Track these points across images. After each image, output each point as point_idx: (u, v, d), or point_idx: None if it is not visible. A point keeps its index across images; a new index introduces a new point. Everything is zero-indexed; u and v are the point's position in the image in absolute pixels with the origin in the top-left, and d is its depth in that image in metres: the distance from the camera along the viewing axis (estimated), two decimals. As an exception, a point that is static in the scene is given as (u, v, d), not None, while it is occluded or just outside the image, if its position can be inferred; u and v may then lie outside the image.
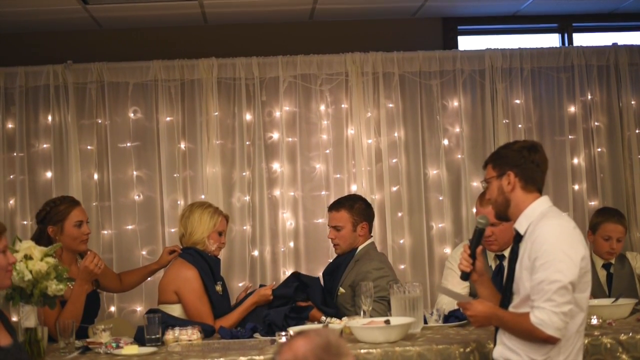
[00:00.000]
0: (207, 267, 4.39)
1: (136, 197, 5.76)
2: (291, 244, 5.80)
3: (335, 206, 4.66)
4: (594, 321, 3.90)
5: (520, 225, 3.27)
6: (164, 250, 4.77)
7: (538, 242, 3.12)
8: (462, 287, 4.30)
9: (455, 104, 5.93)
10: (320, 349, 2.14)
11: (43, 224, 4.31)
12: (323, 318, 4.20)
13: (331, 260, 4.94)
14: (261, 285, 4.54)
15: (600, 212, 4.94)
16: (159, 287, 4.44)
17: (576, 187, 5.94)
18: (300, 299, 4.35)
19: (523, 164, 3.27)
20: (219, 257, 4.53)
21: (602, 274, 4.75)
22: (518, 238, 3.29)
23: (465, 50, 6.03)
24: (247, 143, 5.81)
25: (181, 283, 4.32)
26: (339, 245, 4.60)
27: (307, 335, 2.18)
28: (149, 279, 4.96)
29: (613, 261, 4.77)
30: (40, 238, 4.21)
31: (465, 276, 3.44)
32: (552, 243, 3.10)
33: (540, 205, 3.27)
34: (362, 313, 4.06)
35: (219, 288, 4.41)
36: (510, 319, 3.19)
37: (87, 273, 4.08)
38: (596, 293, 4.59)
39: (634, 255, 4.89)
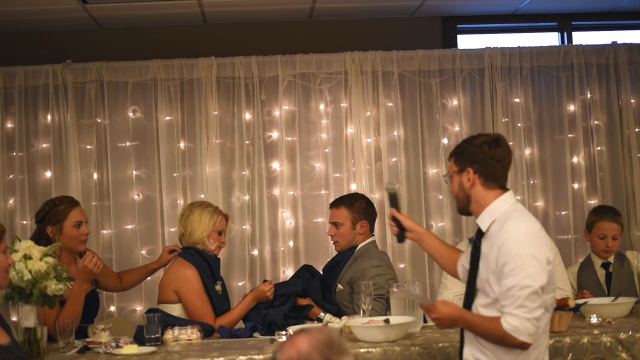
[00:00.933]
0: (207, 266, 4.39)
1: (136, 197, 5.76)
2: (291, 243, 5.80)
3: (335, 203, 4.67)
4: (594, 320, 3.90)
5: (483, 221, 3.21)
6: (164, 249, 4.76)
7: (506, 247, 3.06)
8: (462, 287, 4.29)
9: (455, 102, 5.93)
10: (324, 346, 2.15)
11: (42, 223, 4.31)
12: (322, 314, 4.21)
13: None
14: (265, 281, 4.55)
15: (594, 211, 4.92)
16: (159, 287, 4.43)
17: (576, 185, 5.94)
18: (299, 295, 4.36)
19: (483, 160, 3.19)
20: (218, 256, 4.53)
21: (601, 273, 4.75)
22: (480, 234, 3.23)
23: (464, 49, 6.03)
24: (247, 142, 5.81)
25: (181, 282, 4.31)
26: (338, 243, 4.61)
27: (310, 333, 2.19)
28: (148, 278, 4.95)
29: (612, 260, 4.76)
30: (40, 238, 4.21)
31: (399, 238, 3.61)
32: (520, 247, 3.04)
33: (504, 202, 3.20)
34: (361, 312, 4.06)
35: (218, 287, 4.41)
36: (479, 323, 3.13)
37: (86, 273, 4.08)
38: (595, 292, 4.59)
39: (634, 254, 4.87)
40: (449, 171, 3.33)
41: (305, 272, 4.57)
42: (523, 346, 3.05)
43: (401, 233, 3.61)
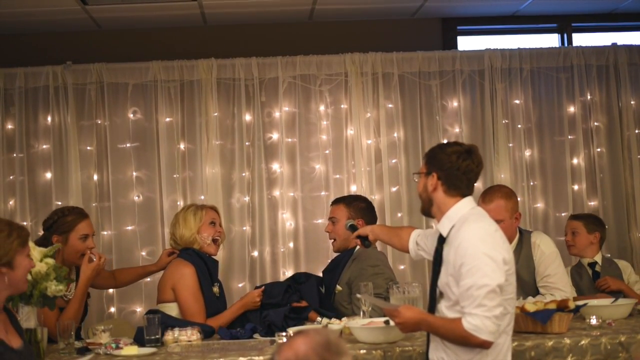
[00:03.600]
0: (205, 267, 4.39)
1: (136, 198, 5.76)
2: (291, 245, 5.80)
3: (335, 200, 4.74)
4: (594, 321, 3.90)
5: (443, 226, 3.29)
6: (163, 252, 4.75)
7: (462, 248, 3.13)
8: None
9: (455, 104, 5.93)
10: (321, 347, 2.15)
11: (49, 232, 4.28)
12: (319, 319, 4.20)
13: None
14: (256, 288, 4.54)
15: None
16: (158, 286, 4.44)
17: (576, 187, 5.95)
18: (293, 300, 4.34)
19: (448, 169, 3.27)
20: (216, 257, 4.53)
21: (590, 272, 4.80)
22: (441, 239, 3.30)
23: (464, 51, 6.03)
24: (247, 143, 5.81)
25: (177, 279, 4.32)
26: (335, 240, 4.63)
27: (308, 334, 2.19)
28: (148, 279, 4.94)
29: (599, 260, 4.80)
30: (45, 245, 4.17)
31: (366, 244, 4.08)
32: (476, 248, 3.10)
33: (463, 207, 3.27)
34: (361, 313, 4.06)
35: (216, 289, 4.41)
36: (441, 325, 3.18)
37: (96, 273, 4.14)
38: (588, 291, 4.67)
39: (625, 264, 4.93)
40: (420, 170, 3.42)
41: (285, 284, 4.52)
42: (484, 345, 3.09)
43: (365, 241, 4.07)
